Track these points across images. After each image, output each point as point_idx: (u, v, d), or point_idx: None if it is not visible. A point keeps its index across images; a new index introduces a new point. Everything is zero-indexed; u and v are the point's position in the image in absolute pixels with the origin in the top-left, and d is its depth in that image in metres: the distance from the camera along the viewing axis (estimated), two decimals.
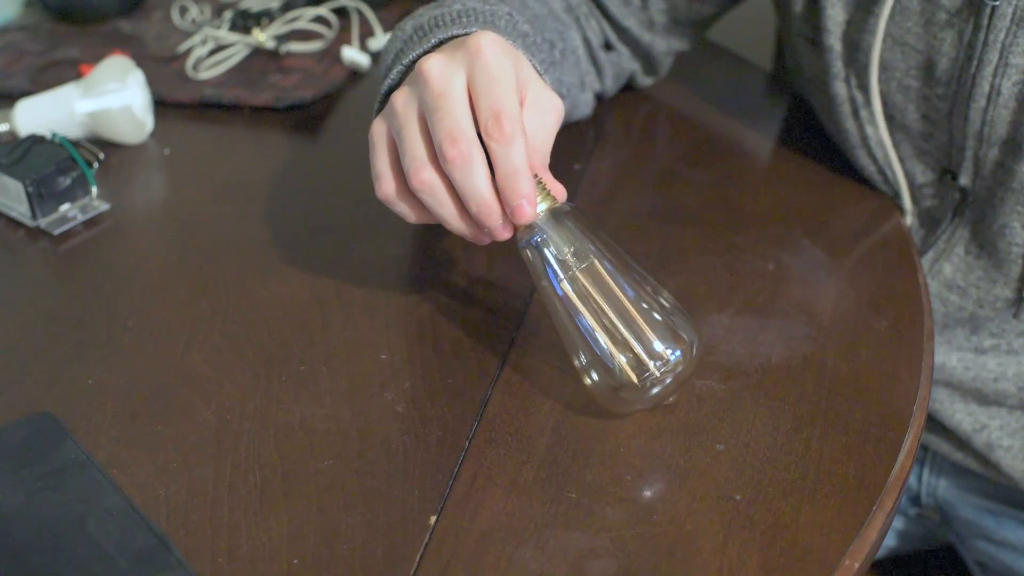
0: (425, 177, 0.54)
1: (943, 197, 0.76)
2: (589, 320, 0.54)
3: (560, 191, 0.56)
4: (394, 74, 0.63)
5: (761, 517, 0.52)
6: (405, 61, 0.62)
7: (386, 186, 0.57)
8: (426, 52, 0.61)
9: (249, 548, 0.51)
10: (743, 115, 0.89)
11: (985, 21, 0.65)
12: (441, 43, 0.61)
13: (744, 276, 0.69)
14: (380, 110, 0.64)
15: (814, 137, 0.85)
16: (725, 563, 0.50)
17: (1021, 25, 0.64)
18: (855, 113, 0.76)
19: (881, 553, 0.95)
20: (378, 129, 0.58)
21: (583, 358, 0.55)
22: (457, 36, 0.61)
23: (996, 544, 0.87)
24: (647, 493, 0.54)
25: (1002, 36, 0.65)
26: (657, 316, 0.55)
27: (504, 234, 0.55)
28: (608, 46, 0.85)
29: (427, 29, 0.64)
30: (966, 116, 0.69)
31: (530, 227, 0.55)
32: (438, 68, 0.54)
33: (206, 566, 0.50)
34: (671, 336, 0.54)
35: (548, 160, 0.58)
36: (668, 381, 0.55)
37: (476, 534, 0.52)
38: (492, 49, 0.54)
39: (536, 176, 0.55)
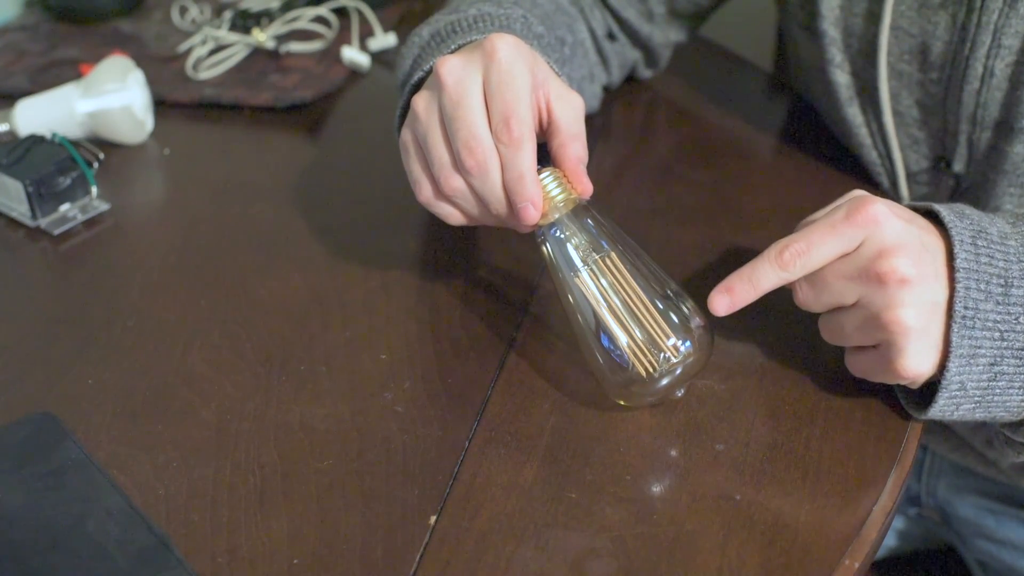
0: (454, 184, 0.56)
1: (938, 185, 0.76)
2: (602, 312, 0.55)
3: (587, 188, 0.57)
4: (415, 80, 0.64)
5: (761, 517, 0.52)
6: (425, 68, 0.63)
7: (424, 191, 0.59)
8: None
9: (249, 548, 0.51)
10: (743, 115, 0.89)
11: (978, 3, 0.66)
12: (459, 48, 0.62)
13: None
14: (403, 114, 0.65)
15: (814, 137, 0.85)
16: (725, 563, 0.50)
17: (1013, 6, 0.65)
18: (853, 99, 0.76)
19: (881, 553, 0.95)
20: (407, 136, 0.59)
21: (595, 350, 0.56)
22: (475, 41, 0.62)
23: (997, 543, 0.87)
24: (647, 493, 0.54)
25: (995, 17, 0.66)
26: (669, 310, 0.56)
27: (526, 228, 0.57)
28: (611, 36, 0.86)
29: (444, 35, 0.65)
30: (960, 100, 0.69)
31: (548, 219, 0.56)
32: (454, 73, 0.56)
33: (206, 566, 0.50)
34: (682, 329, 0.55)
35: (586, 149, 0.58)
36: (678, 372, 0.55)
37: (476, 534, 0.52)
38: (507, 52, 0.56)
39: (559, 172, 0.57)
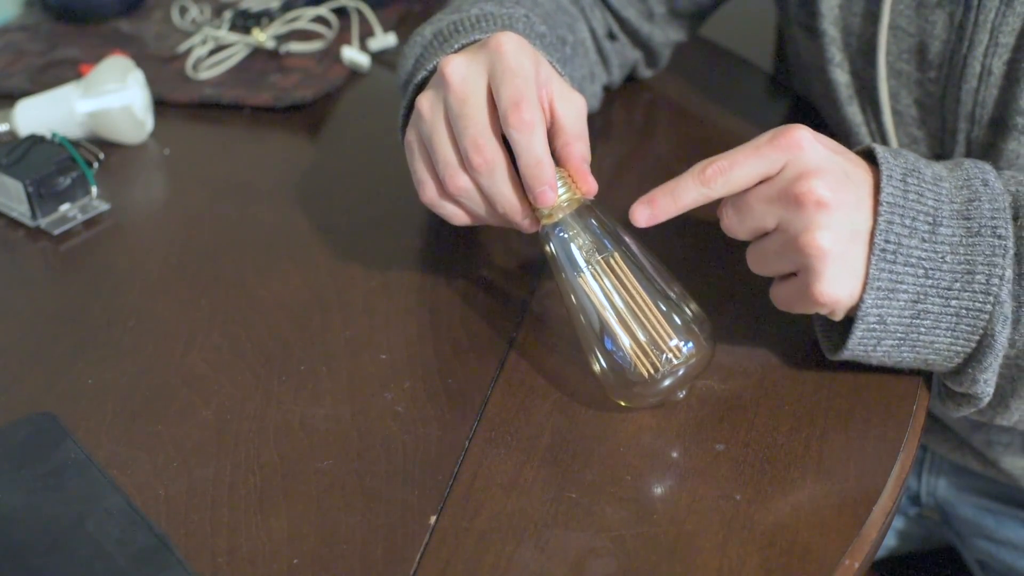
0: (460, 184, 0.57)
1: None
2: (605, 313, 0.56)
3: (592, 188, 0.57)
4: (419, 79, 0.64)
5: (761, 517, 0.52)
6: (429, 67, 0.63)
7: (429, 191, 0.59)
8: None
9: (249, 548, 0.51)
10: (743, 115, 0.89)
11: (975, 1, 0.66)
12: (463, 48, 0.62)
13: (744, 276, 0.69)
14: (406, 113, 0.65)
15: None
16: (725, 563, 0.50)
17: (1010, 5, 0.65)
18: (853, 99, 0.76)
19: (881, 553, 0.95)
20: (411, 136, 0.59)
21: (596, 350, 0.56)
22: (478, 41, 0.62)
23: (996, 543, 0.87)
24: (647, 493, 0.54)
25: (992, 16, 0.66)
26: (672, 311, 0.56)
27: (530, 228, 0.58)
28: (612, 35, 0.86)
29: (447, 35, 0.65)
30: (958, 98, 0.69)
31: (553, 219, 0.56)
32: (459, 72, 0.56)
33: (206, 566, 0.50)
34: (684, 330, 0.55)
35: (589, 149, 0.59)
36: (680, 373, 0.56)
37: (476, 534, 0.52)
38: (512, 47, 0.56)
39: (563, 171, 0.57)
